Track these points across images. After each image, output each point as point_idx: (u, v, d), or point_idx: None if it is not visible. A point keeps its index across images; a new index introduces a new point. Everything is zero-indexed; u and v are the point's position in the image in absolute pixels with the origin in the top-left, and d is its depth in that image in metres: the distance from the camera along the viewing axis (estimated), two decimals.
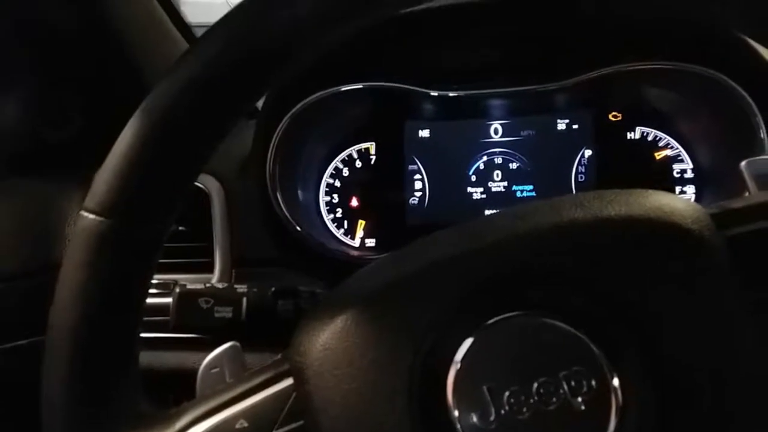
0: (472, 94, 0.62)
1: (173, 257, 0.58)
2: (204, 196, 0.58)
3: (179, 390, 0.33)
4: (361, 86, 0.61)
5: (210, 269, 0.57)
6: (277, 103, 0.60)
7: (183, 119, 0.28)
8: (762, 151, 0.53)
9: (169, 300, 0.43)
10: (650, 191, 0.29)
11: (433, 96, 0.62)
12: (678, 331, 0.26)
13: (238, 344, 0.34)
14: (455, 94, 0.62)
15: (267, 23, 0.26)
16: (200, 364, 0.33)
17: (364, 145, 0.68)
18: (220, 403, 0.30)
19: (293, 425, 0.28)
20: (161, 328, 0.43)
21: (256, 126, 0.60)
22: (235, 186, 0.59)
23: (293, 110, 0.59)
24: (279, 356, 0.31)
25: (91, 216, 0.28)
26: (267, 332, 0.43)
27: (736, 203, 0.29)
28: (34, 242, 0.53)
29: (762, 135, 0.52)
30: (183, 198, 0.30)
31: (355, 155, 0.68)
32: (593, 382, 0.25)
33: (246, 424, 0.28)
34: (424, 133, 0.66)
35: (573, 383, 0.25)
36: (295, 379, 0.29)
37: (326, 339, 0.28)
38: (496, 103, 0.64)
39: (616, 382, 0.25)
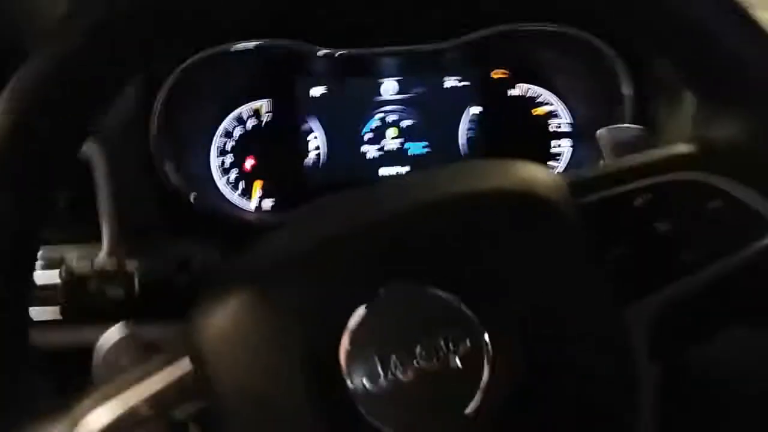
0: (362, 53, 0.62)
1: (59, 229, 0.55)
2: (85, 162, 0.55)
3: (77, 366, 0.32)
4: (251, 45, 0.59)
5: (98, 238, 0.55)
6: (159, 62, 0.57)
7: (60, 90, 0.27)
8: (629, 108, 0.59)
9: (54, 280, 0.41)
10: (517, 163, 0.32)
11: (323, 54, 0.61)
12: (538, 289, 0.29)
13: (129, 324, 0.34)
14: (345, 52, 0.62)
15: None
16: (94, 341, 0.33)
17: (255, 104, 0.66)
18: (119, 387, 0.29)
19: (193, 407, 0.28)
20: (50, 305, 0.42)
21: (137, 87, 0.57)
22: (119, 150, 0.56)
23: (177, 69, 0.57)
24: (174, 336, 0.31)
25: None
26: (163, 307, 0.43)
27: (590, 172, 0.33)
28: None
29: (628, 91, 0.57)
30: (66, 172, 0.29)
31: (246, 115, 0.66)
32: (468, 341, 0.28)
33: (149, 411, 0.28)
34: (317, 92, 0.66)
35: (450, 344, 0.28)
36: (192, 361, 0.29)
37: (220, 320, 0.29)
38: (386, 61, 0.64)
39: (486, 338, 0.28)
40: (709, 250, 0.30)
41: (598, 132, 0.37)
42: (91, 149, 0.56)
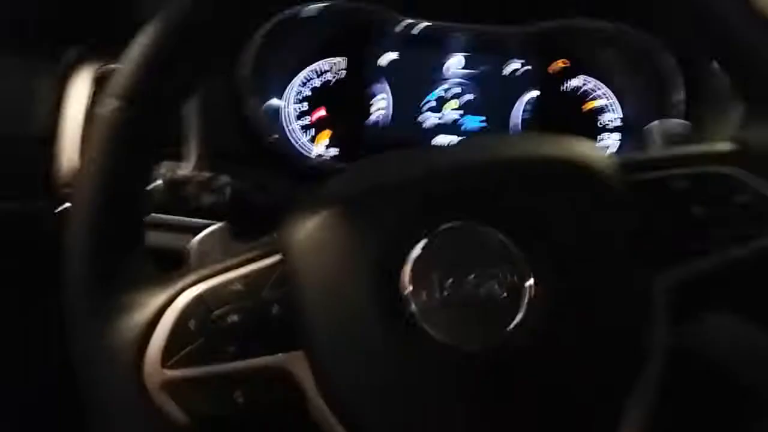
0: (438, 26, 0.67)
1: None
2: None
3: (170, 267, 0.38)
4: (337, 6, 0.65)
5: (178, 158, 0.61)
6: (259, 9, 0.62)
7: (197, 29, 0.33)
8: (679, 109, 0.63)
9: (154, 184, 0.48)
10: (576, 139, 0.37)
11: (403, 23, 0.66)
12: (580, 245, 0.34)
13: (227, 225, 0.40)
14: (423, 24, 0.67)
15: None
16: (187, 244, 0.39)
17: (334, 60, 0.72)
18: (217, 269, 0.35)
19: (279, 291, 0.34)
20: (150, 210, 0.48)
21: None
22: (208, 87, 0.62)
23: (274, 19, 0.63)
24: (266, 238, 0.37)
25: (115, 101, 0.33)
26: (244, 221, 0.49)
27: (641, 156, 0.38)
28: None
29: (679, 96, 0.62)
30: (187, 96, 0.35)
31: (325, 68, 0.72)
32: (514, 278, 0.33)
33: (240, 287, 0.34)
34: (391, 56, 0.71)
35: (499, 277, 0.33)
36: (283, 255, 0.34)
37: (312, 227, 0.34)
38: (457, 37, 0.69)
39: (530, 281, 0.33)
40: (731, 236, 0.34)
41: (652, 123, 0.41)
42: None
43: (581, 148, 0.36)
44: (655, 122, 0.40)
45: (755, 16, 0.34)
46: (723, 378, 0.48)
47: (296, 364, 0.34)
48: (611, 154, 0.36)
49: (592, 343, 0.33)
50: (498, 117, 0.72)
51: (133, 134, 0.34)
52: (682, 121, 0.39)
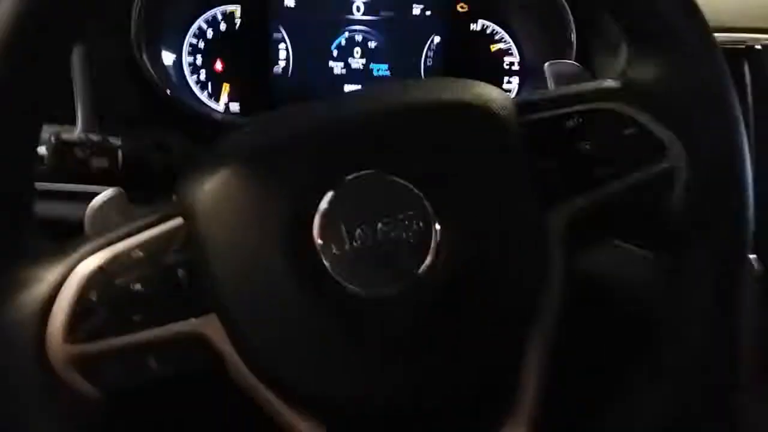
0: None
1: None
2: None
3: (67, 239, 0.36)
4: None
5: (71, 122, 0.57)
6: None
7: None
8: (571, 52, 0.65)
9: (41, 149, 0.44)
10: (474, 82, 0.38)
11: None
12: (479, 185, 0.35)
13: (121, 189, 0.38)
14: None
15: None
16: (81, 214, 0.36)
17: (228, 8, 0.68)
18: (115, 236, 0.33)
19: (184, 255, 0.33)
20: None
21: None
22: (95, 43, 0.58)
23: None
24: (165, 201, 0.36)
25: None
26: (142, 184, 0.47)
27: (534, 96, 0.39)
28: None
29: (572, 39, 0.64)
30: (66, 55, 0.32)
31: (219, 17, 0.68)
32: (421, 224, 0.33)
33: (141, 254, 0.33)
34: (289, 2, 0.69)
35: (406, 223, 0.33)
36: (184, 217, 0.33)
37: (212, 186, 0.33)
38: None
39: (437, 225, 0.33)
40: (619, 168, 0.36)
41: (545, 64, 0.43)
42: None
43: (478, 90, 0.37)
44: (546, 64, 0.42)
45: None
46: (620, 304, 0.52)
47: (210, 327, 0.33)
48: (506, 96, 0.37)
49: (496, 278, 0.35)
50: (404, 63, 0.72)
51: (10, 95, 0.31)
52: (573, 62, 0.40)
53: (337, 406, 0.34)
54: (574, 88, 0.39)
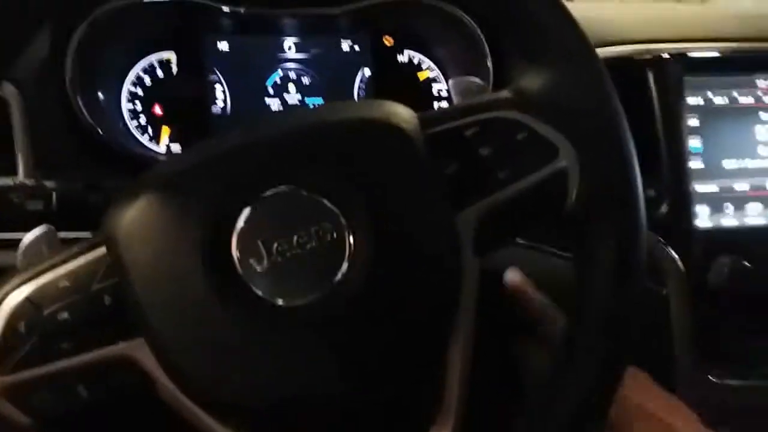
0: (263, 12, 0.69)
1: None
2: (2, 104, 0.59)
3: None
4: None
5: (13, 172, 0.58)
6: (72, 9, 0.60)
7: None
8: (489, 76, 0.69)
9: None
10: (382, 101, 0.40)
11: (226, 11, 0.67)
12: (389, 195, 0.37)
13: (51, 227, 0.39)
14: (246, 11, 0.68)
15: None
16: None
17: (164, 55, 0.71)
18: (42, 268, 0.35)
19: (109, 281, 0.34)
20: None
21: (51, 32, 0.60)
22: (34, 92, 0.60)
23: (90, 17, 0.61)
24: (93, 233, 0.37)
25: None
26: (78, 224, 0.48)
27: (437, 111, 0.42)
28: None
29: (488, 62, 0.68)
30: None
31: (156, 64, 0.71)
32: (334, 234, 0.35)
33: (68, 284, 0.34)
34: (223, 46, 0.72)
35: (320, 234, 0.35)
36: (108, 246, 0.35)
37: (132, 213, 0.35)
38: (287, 21, 0.71)
39: (349, 235, 0.35)
40: (516, 170, 0.39)
41: (450, 81, 0.46)
42: (7, 89, 0.60)
43: (383, 107, 0.40)
44: (450, 81, 0.45)
45: None
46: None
47: (138, 351, 0.34)
48: (410, 111, 0.40)
49: (411, 283, 0.36)
50: (338, 96, 0.75)
51: None
52: (474, 78, 0.44)
53: (265, 417, 0.35)
54: (473, 100, 0.42)
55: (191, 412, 0.35)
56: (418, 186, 0.38)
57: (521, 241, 0.52)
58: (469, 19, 0.68)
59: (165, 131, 0.71)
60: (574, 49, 0.40)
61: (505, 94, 0.42)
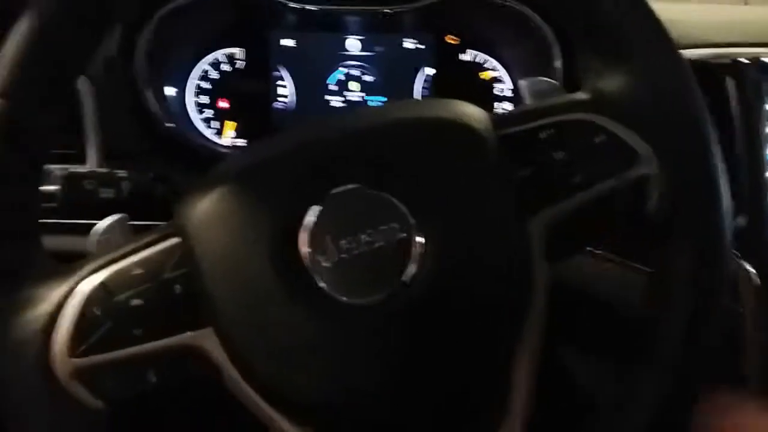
0: (330, 9, 0.69)
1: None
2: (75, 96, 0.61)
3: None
4: None
5: (82, 161, 0.61)
6: (142, 6, 0.62)
7: (74, 19, 0.33)
8: (558, 77, 0.67)
9: (52, 187, 0.47)
10: (453, 100, 0.40)
11: (294, 8, 0.68)
12: (459, 197, 0.36)
13: (125, 215, 0.40)
14: (314, 8, 0.69)
15: None
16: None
17: (230, 50, 0.72)
18: (116, 255, 0.35)
19: (180, 271, 0.35)
20: (46, 215, 0.47)
21: (122, 28, 0.62)
22: (105, 85, 0.62)
23: (160, 13, 0.62)
24: (166, 223, 0.38)
25: None
26: (146, 213, 0.49)
27: (510, 112, 0.41)
28: None
29: (556, 62, 0.66)
30: (68, 88, 0.35)
31: (222, 59, 0.72)
32: (403, 235, 0.35)
33: (141, 271, 0.35)
34: (288, 43, 0.73)
35: (389, 234, 0.34)
36: (180, 236, 0.35)
37: (205, 206, 0.35)
38: (351, 19, 0.72)
39: (419, 236, 0.35)
40: (593, 175, 0.37)
41: (520, 81, 0.45)
42: (81, 83, 0.62)
43: (455, 107, 0.39)
44: (522, 81, 0.44)
45: None
46: (601, 310, 0.53)
47: (206, 339, 0.34)
48: (482, 111, 0.39)
49: (478, 287, 0.36)
50: (399, 94, 0.75)
51: (15, 130, 0.34)
52: (547, 79, 0.42)
53: (328, 413, 0.35)
54: (547, 101, 0.41)
55: (253, 402, 0.35)
56: (488, 188, 0.37)
57: (592, 250, 0.50)
58: (539, 18, 0.66)
59: (229, 125, 0.72)
60: (657, 51, 0.38)
61: (582, 95, 0.40)
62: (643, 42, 0.38)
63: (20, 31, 0.33)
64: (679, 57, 0.38)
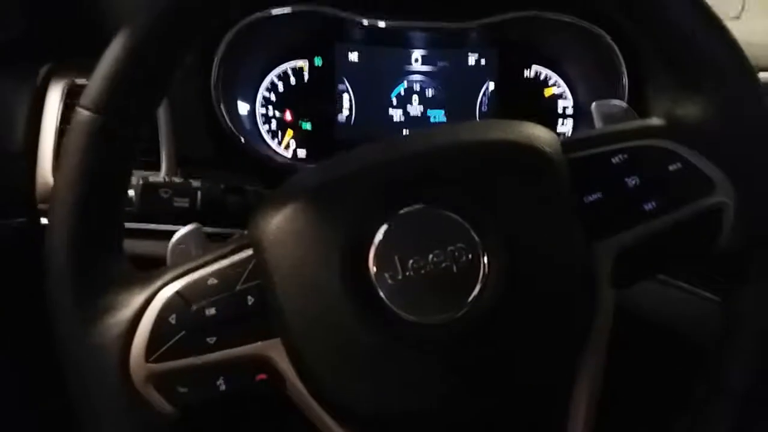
0: (397, 25, 0.70)
1: None
2: None
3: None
4: (299, 9, 0.67)
5: (155, 168, 0.63)
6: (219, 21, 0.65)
7: (160, 38, 0.35)
8: (624, 94, 0.66)
9: (130, 192, 0.50)
10: (521, 122, 0.39)
11: (363, 24, 0.69)
12: (527, 220, 0.36)
13: (200, 225, 0.42)
14: (383, 24, 0.70)
15: None
16: (164, 250, 0.41)
17: (298, 63, 0.74)
18: (193, 266, 0.37)
19: (253, 282, 0.36)
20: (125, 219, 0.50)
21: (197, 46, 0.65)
22: (179, 97, 0.65)
23: (234, 29, 0.65)
24: (237, 235, 0.39)
25: (86, 112, 0.35)
26: (218, 223, 0.51)
27: (581, 135, 0.40)
28: None
29: (624, 81, 0.65)
30: (158, 103, 0.37)
31: (290, 72, 0.74)
32: (470, 256, 0.35)
33: (216, 281, 0.36)
34: (353, 57, 0.74)
35: (456, 255, 0.35)
36: (254, 249, 0.36)
37: (279, 220, 0.36)
38: (417, 35, 0.72)
39: (485, 257, 0.35)
40: (666, 202, 0.37)
41: (593, 104, 0.44)
42: None
43: (524, 129, 0.38)
44: (593, 104, 0.43)
45: (701, 13, 0.37)
46: (667, 338, 0.51)
47: (274, 351, 0.36)
48: (552, 134, 0.39)
49: (543, 310, 0.35)
50: (460, 109, 0.75)
51: (107, 141, 0.36)
52: (619, 102, 0.42)
53: (387, 427, 0.36)
54: (620, 126, 0.40)
55: (316, 414, 0.36)
56: (556, 211, 0.37)
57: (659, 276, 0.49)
58: (608, 37, 0.65)
59: (294, 136, 0.74)
60: (737, 78, 0.37)
61: (657, 121, 0.39)
62: (726, 71, 0.37)
63: (115, 47, 0.35)
64: (759, 85, 0.37)
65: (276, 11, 0.68)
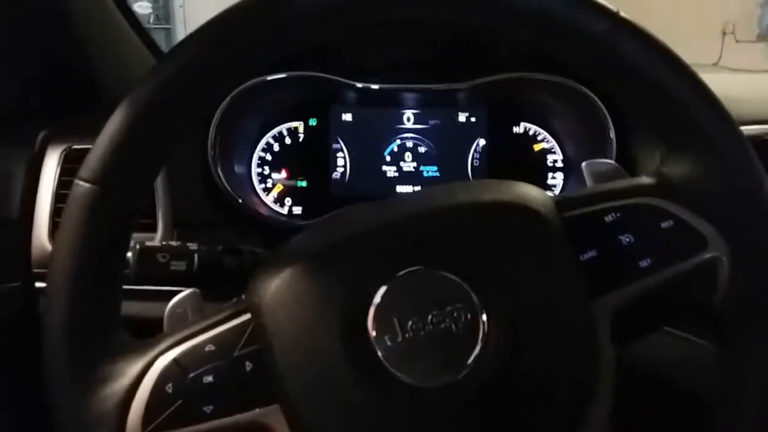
0: (391, 88, 0.72)
1: None
2: None
3: (145, 334, 0.39)
4: (294, 75, 0.70)
5: (152, 230, 0.64)
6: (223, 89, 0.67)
7: (164, 110, 0.36)
8: (612, 148, 0.68)
9: (127, 254, 0.49)
10: (515, 182, 0.40)
11: (358, 87, 0.72)
12: (524, 280, 0.36)
13: (197, 290, 0.42)
14: (376, 86, 0.72)
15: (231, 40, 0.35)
16: (161, 312, 0.40)
17: (293, 124, 0.76)
18: (190, 332, 0.37)
19: (251, 348, 0.36)
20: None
21: None
22: (174, 159, 0.65)
23: (232, 94, 0.67)
24: (235, 299, 0.39)
25: (85, 184, 0.35)
26: (215, 285, 0.51)
27: (573, 194, 0.41)
28: None
29: (611, 136, 0.67)
30: (157, 173, 0.38)
31: (285, 132, 0.76)
32: (469, 316, 0.35)
33: (213, 348, 0.36)
34: (347, 117, 0.76)
35: (455, 315, 0.35)
36: (252, 314, 0.36)
37: (277, 284, 0.36)
38: (409, 96, 0.75)
39: (484, 317, 0.35)
40: (661, 259, 0.37)
41: (583, 164, 0.45)
42: None
43: (518, 189, 0.39)
44: (584, 163, 0.45)
45: (682, 72, 0.38)
46: (670, 391, 0.51)
47: (272, 418, 0.35)
48: (546, 194, 0.40)
49: (543, 369, 0.35)
50: (451, 165, 0.77)
51: (107, 214, 0.36)
52: (609, 161, 0.43)
53: None
54: (611, 184, 0.41)
55: None
56: (552, 270, 0.37)
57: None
58: (594, 97, 0.68)
59: (289, 195, 0.75)
60: (722, 135, 0.38)
61: (647, 180, 0.40)
62: (711, 128, 0.38)
63: (116, 119, 0.35)
64: (744, 140, 0.38)
65: (271, 77, 0.70)
